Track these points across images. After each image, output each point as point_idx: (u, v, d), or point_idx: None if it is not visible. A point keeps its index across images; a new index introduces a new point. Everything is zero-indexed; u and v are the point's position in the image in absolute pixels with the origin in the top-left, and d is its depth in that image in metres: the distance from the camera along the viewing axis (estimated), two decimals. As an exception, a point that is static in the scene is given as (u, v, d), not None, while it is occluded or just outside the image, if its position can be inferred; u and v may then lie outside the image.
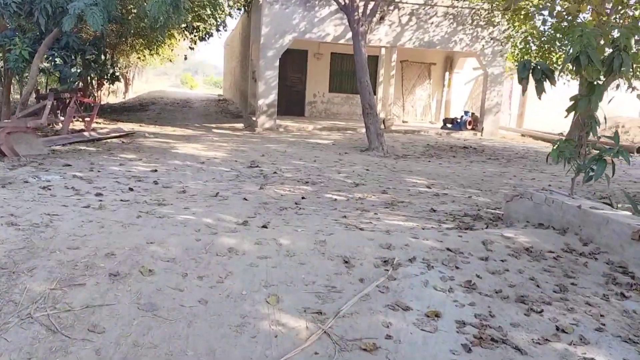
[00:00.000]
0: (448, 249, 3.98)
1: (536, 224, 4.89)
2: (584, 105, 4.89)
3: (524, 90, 5.22)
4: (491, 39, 15.38)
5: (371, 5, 12.60)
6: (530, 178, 9.27)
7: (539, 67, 4.85)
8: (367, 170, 9.10)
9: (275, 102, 14.93)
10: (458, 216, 5.74)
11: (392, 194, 7.06)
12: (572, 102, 5.07)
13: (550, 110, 20.01)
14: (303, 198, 6.27)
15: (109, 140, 11.20)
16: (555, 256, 4.04)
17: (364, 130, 15.24)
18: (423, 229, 4.74)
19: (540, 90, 4.89)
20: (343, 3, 12.50)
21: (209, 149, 10.67)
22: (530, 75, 5.02)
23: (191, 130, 14.18)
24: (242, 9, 17.31)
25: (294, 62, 18.34)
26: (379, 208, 5.94)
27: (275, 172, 8.24)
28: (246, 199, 5.86)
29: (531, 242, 4.26)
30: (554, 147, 5.13)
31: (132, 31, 13.83)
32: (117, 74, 16.02)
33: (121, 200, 5.25)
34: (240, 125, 16.20)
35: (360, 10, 12.31)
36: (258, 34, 15.14)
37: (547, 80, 4.92)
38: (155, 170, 7.68)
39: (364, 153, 11.28)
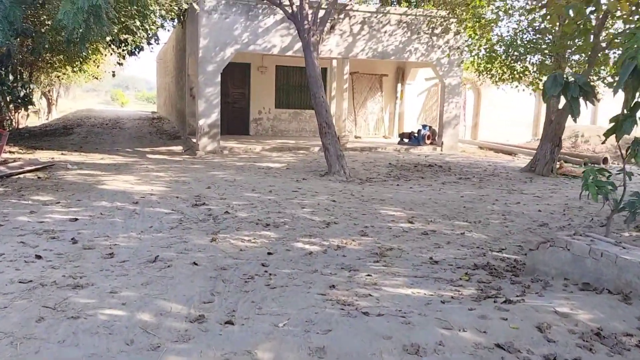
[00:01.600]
0: (499, 346, 2.83)
1: (580, 284, 3.85)
2: (630, 127, 3.90)
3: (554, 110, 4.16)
4: (448, 48, 14.68)
5: (321, 13, 11.53)
6: (515, 202, 8.38)
7: (575, 82, 3.82)
8: (334, 201, 7.92)
9: (218, 122, 13.54)
10: (468, 268, 4.65)
11: (374, 235, 5.90)
12: (612, 123, 4.07)
13: (499, 118, 19.65)
14: (270, 254, 4.99)
15: (21, 176, 9.45)
16: (637, 342, 2.98)
17: (317, 149, 14.14)
18: (443, 302, 3.58)
19: (576, 110, 3.87)
20: (290, 11, 11.38)
21: (144, 181, 9.16)
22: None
23: (122, 157, 12.53)
24: (176, 19, 15.84)
25: (235, 76, 17.02)
26: (368, 263, 4.75)
27: (227, 212, 6.90)
28: (196, 264, 4.51)
29: (596, 319, 3.19)
30: (589, 183, 4.13)
31: (46, 46, 12.07)
32: (31, 96, 14.05)
33: (19, 283, 3.78)
34: (179, 148, 14.66)
35: (310, 18, 11.21)
36: (195, 46, 13.73)
37: (584, 97, 3.90)
38: (76, 220, 6.17)
39: (324, 178, 10.11)
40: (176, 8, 12.98)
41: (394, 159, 13.38)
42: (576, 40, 10.80)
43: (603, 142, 4.93)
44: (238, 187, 8.84)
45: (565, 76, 3.85)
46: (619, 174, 4.55)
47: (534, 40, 11.05)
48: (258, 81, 17.28)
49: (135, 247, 5.05)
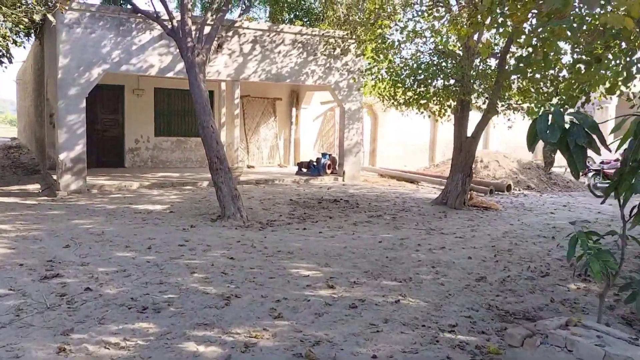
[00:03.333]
0: None
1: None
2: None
3: (548, 165, 3.13)
4: (346, 70, 13.89)
5: (207, 29, 10.14)
6: (440, 247, 7.49)
7: (579, 125, 2.79)
8: (232, 258, 6.48)
9: (84, 156, 11.49)
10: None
11: (290, 317, 4.57)
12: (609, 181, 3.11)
13: (395, 143, 19.34)
14: (146, 372, 3.46)
15: None
16: None
17: (206, 183, 12.56)
18: None
19: (580, 164, 2.83)
20: (170, 27, 9.87)
21: (-23, 241, 7.08)
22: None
23: (-45, 204, 10.07)
24: (31, 34, 13.53)
25: (105, 100, 14.99)
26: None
27: (88, 287, 5.20)
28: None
29: None
30: (590, 257, 3.14)
31: None
32: None
33: None
34: (35, 187, 12.31)
35: (194, 35, 9.77)
36: (54, 66, 11.63)
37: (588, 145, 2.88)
38: None
39: (217, 224, 8.60)
40: (26, 20, 10.84)
41: (295, 193, 12.18)
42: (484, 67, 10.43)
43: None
44: (107, 244, 7.07)
45: (559, 114, 2.80)
46: (608, 235, 3.67)
47: (439, 63, 10.48)
48: (134, 106, 15.34)
49: None
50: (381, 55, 11.00)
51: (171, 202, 10.61)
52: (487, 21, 6.53)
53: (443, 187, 14.23)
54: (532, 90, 9.69)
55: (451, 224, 9.37)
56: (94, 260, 6.24)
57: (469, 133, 10.98)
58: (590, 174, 14.00)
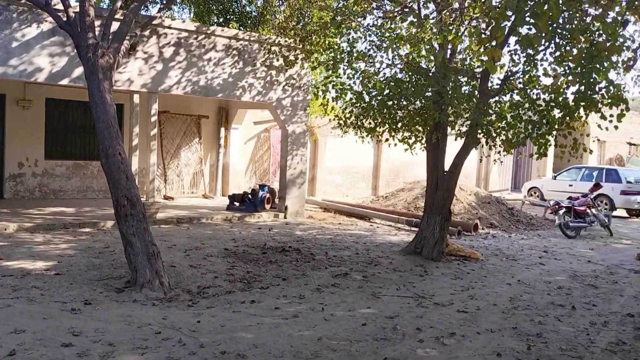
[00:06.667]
0: None
1: None
2: None
3: None
4: (290, 86, 11.80)
5: (116, 26, 7.78)
6: (448, 331, 5.50)
7: None
8: (150, 376, 4.11)
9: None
10: None
11: None
12: None
13: (332, 169, 17.49)
14: None
15: None
16: None
17: (110, 224, 9.94)
18: None
19: None
20: (65, 18, 7.44)
21: None
22: None
23: None
24: None
25: (-21, 112, 11.93)
26: None
27: None
28: None
29: None
30: None
31: None
32: None
33: None
34: None
35: (98, 31, 7.39)
36: None
37: None
38: None
39: (125, 297, 6.12)
40: None
41: (229, 237, 9.81)
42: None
43: None
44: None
45: None
46: None
47: (416, 80, 8.66)
48: (18, 120, 12.37)
49: None
50: (342, 68, 9.04)
51: (60, 255, 7.90)
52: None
53: (400, 226, 12.57)
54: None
55: (438, 286, 7.45)
56: None
57: (446, 166, 9.23)
58: (561, 212, 12.77)
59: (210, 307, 5.96)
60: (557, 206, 13.02)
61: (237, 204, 12.37)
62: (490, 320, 6.00)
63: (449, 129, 9.11)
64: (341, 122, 9.70)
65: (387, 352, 4.91)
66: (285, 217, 12.23)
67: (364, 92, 9.18)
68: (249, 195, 12.38)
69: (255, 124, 15.59)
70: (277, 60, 11.44)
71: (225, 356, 4.61)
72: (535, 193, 19.50)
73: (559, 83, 5.87)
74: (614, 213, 16.62)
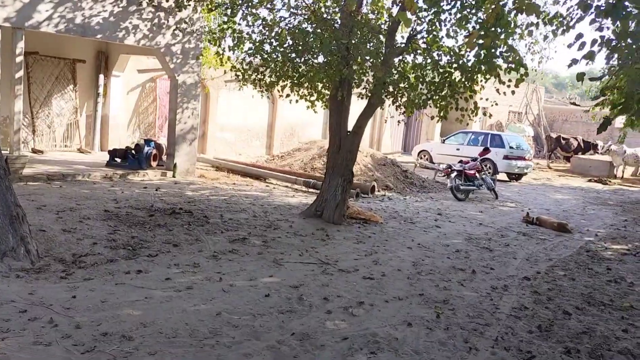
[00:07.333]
0: None
1: None
2: None
3: None
4: (181, 31, 10.74)
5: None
6: (356, 300, 5.21)
7: None
8: (10, 368, 3.37)
9: None
10: None
11: None
12: None
13: (224, 126, 16.71)
14: None
15: None
16: None
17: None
18: None
19: None
20: None
21: None
22: None
23: None
24: None
25: None
26: None
27: None
28: None
29: None
30: None
31: None
32: None
33: None
34: None
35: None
36: None
37: None
38: None
39: (-21, 268, 5.14)
40: None
41: (110, 197, 8.81)
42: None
43: None
44: None
45: None
46: None
47: (320, 32, 8.12)
48: None
49: None
50: (241, 13, 8.27)
51: None
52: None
53: (297, 187, 12.18)
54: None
55: (342, 251, 7.17)
56: None
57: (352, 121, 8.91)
58: (453, 175, 13.08)
59: (88, 279, 5.17)
60: (449, 169, 13.31)
61: (118, 160, 11.24)
62: (397, 287, 5.82)
63: (353, 86, 8.74)
64: (239, 74, 8.97)
65: (294, 326, 4.50)
66: (174, 176, 11.33)
67: (264, 42, 8.52)
68: (133, 151, 11.28)
69: (139, 72, 14.22)
70: (167, 0, 10.31)
71: (107, 338, 3.94)
72: (424, 156, 19.97)
73: (473, 40, 5.61)
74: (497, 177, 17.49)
